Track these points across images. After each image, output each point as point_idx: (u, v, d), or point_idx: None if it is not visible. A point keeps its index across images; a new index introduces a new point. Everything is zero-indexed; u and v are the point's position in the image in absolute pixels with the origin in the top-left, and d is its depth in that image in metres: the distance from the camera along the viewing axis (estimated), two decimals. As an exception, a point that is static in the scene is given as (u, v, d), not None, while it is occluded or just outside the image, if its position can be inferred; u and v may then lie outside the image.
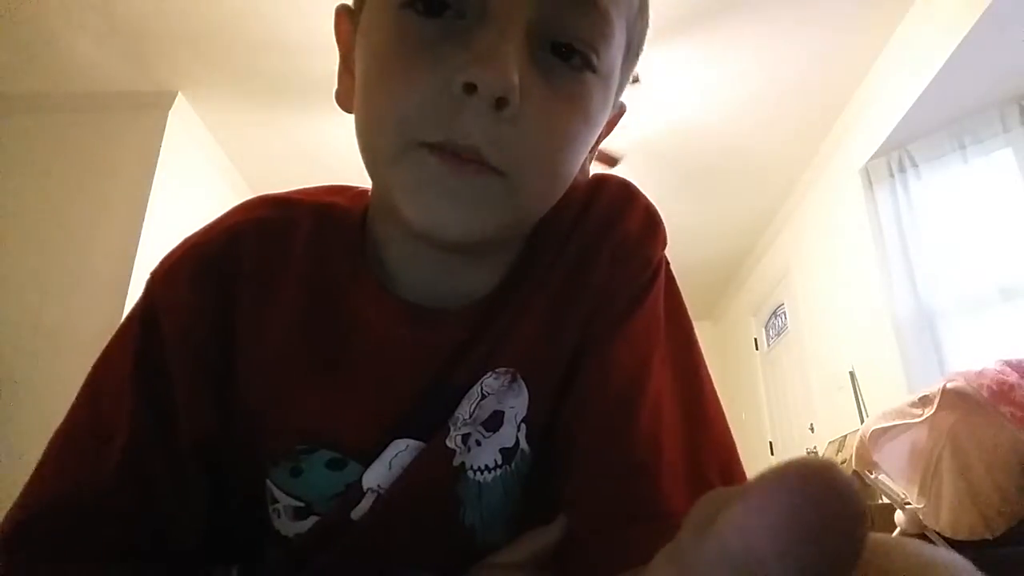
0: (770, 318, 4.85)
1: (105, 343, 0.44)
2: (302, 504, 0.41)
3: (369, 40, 0.38)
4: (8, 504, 0.40)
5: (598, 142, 0.45)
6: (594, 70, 0.37)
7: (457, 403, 0.41)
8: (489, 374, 0.42)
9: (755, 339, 5.09)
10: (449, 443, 0.41)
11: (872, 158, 3.17)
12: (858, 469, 2.29)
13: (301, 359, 0.41)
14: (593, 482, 0.38)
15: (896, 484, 2.22)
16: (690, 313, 0.51)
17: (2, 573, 0.37)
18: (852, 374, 3.35)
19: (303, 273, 0.42)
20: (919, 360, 2.82)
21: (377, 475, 0.41)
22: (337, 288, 0.42)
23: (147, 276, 0.45)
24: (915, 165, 3.02)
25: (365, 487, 0.41)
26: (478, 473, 0.40)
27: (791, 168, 3.83)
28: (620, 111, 0.47)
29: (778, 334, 4.68)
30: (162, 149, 3.11)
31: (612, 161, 3.09)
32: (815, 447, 3.83)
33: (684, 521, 0.15)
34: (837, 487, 0.12)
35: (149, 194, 3.02)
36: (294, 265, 0.42)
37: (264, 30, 2.82)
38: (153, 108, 3.17)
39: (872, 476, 2.23)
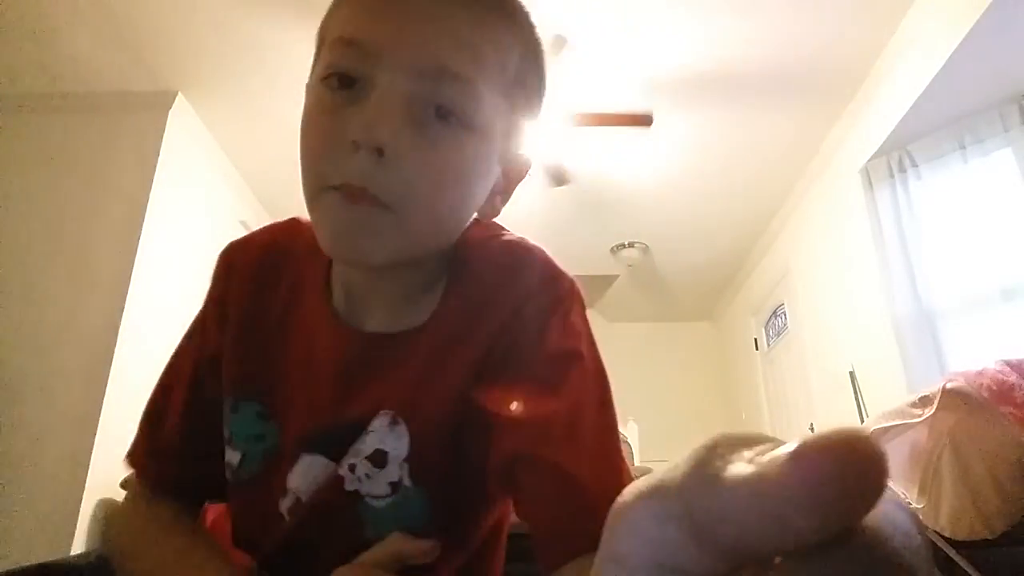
0: (770, 318, 4.85)
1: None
2: (238, 453, 0.53)
3: (303, 106, 0.48)
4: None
5: (508, 187, 0.54)
6: (467, 126, 0.46)
7: (354, 431, 0.50)
8: (380, 413, 0.49)
9: (755, 339, 5.09)
10: (340, 471, 0.49)
11: (872, 158, 3.17)
12: (858, 469, 2.29)
13: (270, 340, 0.54)
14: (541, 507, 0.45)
15: (896, 484, 2.22)
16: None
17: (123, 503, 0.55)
18: (852, 374, 3.35)
19: (288, 291, 0.56)
20: (919, 360, 2.82)
21: (296, 479, 0.51)
22: (302, 306, 0.55)
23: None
24: (915, 165, 3.02)
25: (288, 486, 0.51)
26: (374, 500, 0.48)
27: (791, 168, 3.83)
28: (524, 164, 0.56)
29: (778, 334, 4.68)
30: (162, 149, 3.11)
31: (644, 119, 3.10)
32: (815, 447, 3.83)
33: (686, 461, 0.16)
34: (876, 459, 0.14)
35: (149, 194, 3.02)
36: (283, 283, 0.56)
37: (264, 30, 2.82)
38: (153, 108, 3.17)
39: (872, 476, 2.23)
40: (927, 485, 2.02)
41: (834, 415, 3.59)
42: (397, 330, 0.52)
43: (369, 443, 0.49)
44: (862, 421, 2.96)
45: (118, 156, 3.10)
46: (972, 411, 1.88)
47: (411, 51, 0.44)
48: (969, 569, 2.05)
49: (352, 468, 0.49)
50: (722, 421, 5.74)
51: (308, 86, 0.48)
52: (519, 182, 0.56)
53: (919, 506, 2.08)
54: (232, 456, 0.53)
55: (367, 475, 0.48)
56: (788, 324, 4.43)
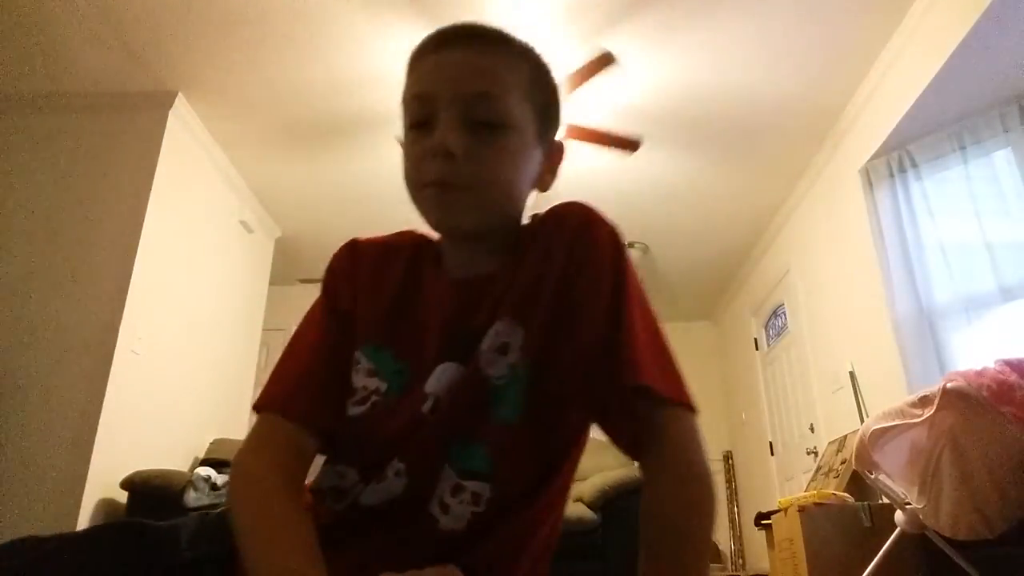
0: (770, 318, 4.85)
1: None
2: (373, 367, 0.70)
3: (404, 139, 0.71)
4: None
5: (552, 166, 0.76)
6: (504, 126, 0.67)
7: (477, 340, 0.67)
8: (498, 322, 0.67)
9: (755, 339, 5.09)
10: (479, 363, 0.66)
11: (872, 158, 3.17)
12: (858, 469, 2.29)
13: (397, 303, 0.74)
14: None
15: (896, 484, 2.22)
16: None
17: (255, 425, 0.69)
18: (852, 374, 3.35)
19: (403, 267, 0.76)
20: (919, 360, 2.82)
21: (432, 384, 0.67)
22: (422, 272, 0.75)
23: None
24: (915, 165, 3.02)
25: (427, 391, 0.67)
26: (497, 380, 0.66)
27: (791, 168, 3.83)
28: (558, 147, 0.76)
29: (778, 334, 4.68)
30: (162, 149, 3.11)
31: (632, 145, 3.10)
32: (815, 447, 3.84)
33: None
34: None
35: (149, 194, 3.02)
36: (402, 264, 0.76)
37: (264, 30, 2.82)
38: (153, 108, 3.17)
39: (872, 476, 2.23)
40: (927, 485, 2.02)
41: (834, 415, 3.60)
42: (485, 273, 0.71)
43: (495, 339, 0.66)
44: (862, 421, 2.96)
45: (118, 156, 3.10)
46: (972, 411, 1.88)
47: (453, 89, 0.67)
48: (969, 569, 2.05)
49: (486, 359, 0.66)
50: (722, 421, 5.74)
51: (404, 132, 0.70)
52: (560, 161, 0.77)
53: (919, 506, 2.08)
54: (380, 385, 0.69)
55: (494, 361, 0.66)
56: (788, 324, 4.43)
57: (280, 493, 0.62)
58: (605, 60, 2.71)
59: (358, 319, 0.73)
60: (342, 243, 0.78)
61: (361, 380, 0.70)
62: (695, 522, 0.59)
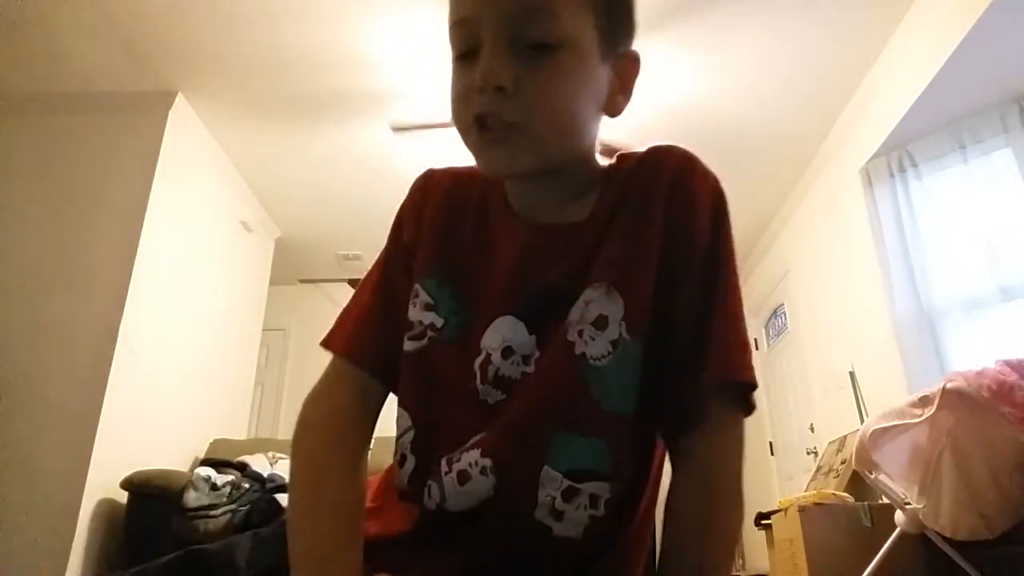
0: (770, 318, 4.85)
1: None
2: (431, 302, 0.65)
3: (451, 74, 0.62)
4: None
5: (624, 85, 0.64)
6: (557, 45, 0.57)
7: (554, 301, 0.60)
8: (589, 288, 0.59)
9: (755, 339, 5.09)
10: (569, 337, 0.58)
11: (872, 158, 3.17)
12: (858, 469, 2.29)
13: (462, 241, 0.68)
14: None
15: (896, 484, 2.22)
16: None
17: (325, 370, 0.67)
18: (852, 374, 3.35)
19: (475, 202, 0.69)
20: (919, 360, 2.82)
21: (490, 340, 0.61)
22: (489, 212, 0.68)
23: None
24: (915, 165, 3.02)
25: (482, 346, 0.61)
26: (597, 361, 0.57)
27: (791, 168, 3.83)
28: (631, 58, 0.65)
29: (778, 334, 4.68)
30: (162, 149, 3.11)
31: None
32: (815, 447, 3.84)
33: None
34: None
35: (149, 194, 3.01)
36: (472, 202, 0.70)
37: (264, 31, 2.82)
38: (153, 108, 3.17)
39: (872, 476, 2.23)
40: (927, 485, 2.02)
41: (834, 415, 3.59)
42: (564, 222, 0.63)
43: (592, 310, 0.58)
44: (862, 421, 2.96)
45: (118, 156, 3.10)
46: (972, 411, 1.88)
47: (496, 8, 0.57)
48: (969, 569, 2.05)
49: (580, 334, 0.58)
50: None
51: (452, 65, 0.62)
52: (634, 78, 0.66)
53: (919, 506, 2.08)
54: (436, 320, 0.64)
55: (592, 338, 0.58)
56: (788, 324, 4.43)
57: (331, 453, 0.62)
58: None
59: (419, 250, 0.68)
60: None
61: (418, 314, 0.65)
62: (719, 536, 0.56)
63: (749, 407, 0.59)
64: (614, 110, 0.64)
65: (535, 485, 0.56)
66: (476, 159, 0.60)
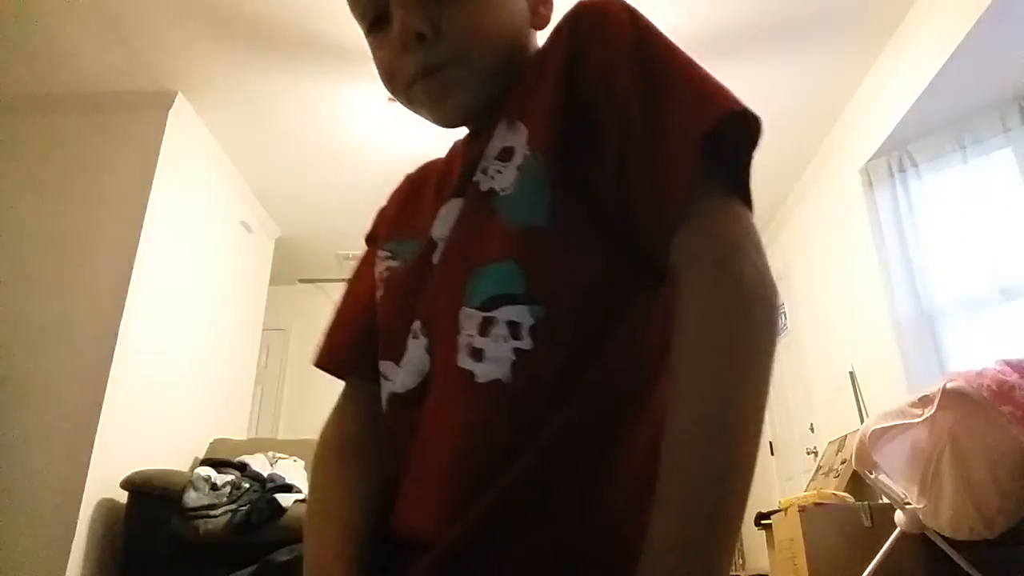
0: (770, 318, 4.85)
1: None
2: (390, 253, 0.65)
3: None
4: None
5: None
6: None
7: (473, 164, 0.58)
8: (495, 129, 0.57)
9: (755, 339, 5.08)
10: (476, 179, 0.56)
11: (872, 158, 3.17)
12: (858, 469, 2.29)
13: (422, 203, 0.67)
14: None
15: (896, 484, 2.22)
16: None
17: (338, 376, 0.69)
18: (852, 374, 3.35)
19: (439, 176, 0.68)
20: (919, 360, 2.82)
21: (439, 229, 0.58)
22: (453, 174, 0.64)
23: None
24: (915, 165, 3.02)
25: (435, 237, 0.58)
26: (505, 190, 0.54)
27: (791, 168, 3.83)
28: None
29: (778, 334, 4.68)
30: (162, 149, 3.11)
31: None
32: (815, 447, 3.84)
33: None
34: None
35: (149, 194, 3.01)
36: (435, 172, 0.70)
37: (264, 31, 2.82)
38: (153, 108, 3.17)
39: (872, 476, 2.23)
40: (927, 485, 2.02)
41: (834, 415, 3.60)
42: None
43: (494, 146, 0.56)
44: (862, 421, 2.96)
45: (118, 156, 3.10)
46: (972, 411, 1.88)
47: None
48: (969, 569, 2.05)
49: (485, 171, 0.56)
50: (722, 421, 5.72)
51: (368, 44, 0.61)
52: None
53: (919, 506, 2.08)
54: (393, 263, 0.64)
55: (498, 171, 0.55)
56: (788, 324, 4.43)
57: (333, 468, 0.62)
58: None
59: (382, 232, 0.70)
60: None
61: (380, 271, 0.65)
62: (728, 366, 0.43)
63: (744, 187, 0.49)
64: (541, 22, 0.63)
65: (455, 332, 0.51)
66: (429, 117, 0.60)
